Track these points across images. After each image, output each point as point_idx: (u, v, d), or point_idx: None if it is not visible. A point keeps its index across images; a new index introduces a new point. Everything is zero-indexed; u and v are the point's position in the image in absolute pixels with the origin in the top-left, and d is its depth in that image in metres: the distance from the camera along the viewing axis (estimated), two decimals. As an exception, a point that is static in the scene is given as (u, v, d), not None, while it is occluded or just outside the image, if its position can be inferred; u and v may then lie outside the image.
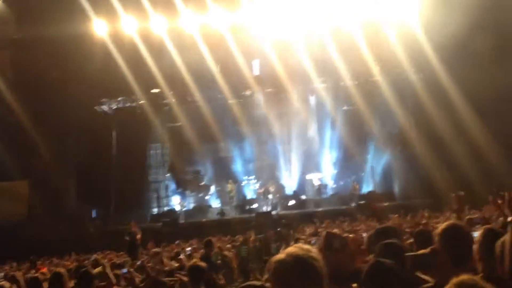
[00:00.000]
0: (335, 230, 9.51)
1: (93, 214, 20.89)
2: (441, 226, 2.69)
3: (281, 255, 1.90)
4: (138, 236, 10.51)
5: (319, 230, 10.96)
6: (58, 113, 18.49)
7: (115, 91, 21.43)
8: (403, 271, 1.88)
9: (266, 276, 2.97)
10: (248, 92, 22.04)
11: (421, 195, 17.82)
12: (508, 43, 16.77)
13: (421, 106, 18.86)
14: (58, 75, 18.42)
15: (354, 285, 2.89)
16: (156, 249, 10.41)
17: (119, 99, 22.04)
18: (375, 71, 20.60)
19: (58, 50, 18.27)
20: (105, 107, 22.05)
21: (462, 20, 15.87)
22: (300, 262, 1.82)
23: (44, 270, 7.48)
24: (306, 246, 1.95)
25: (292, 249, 1.92)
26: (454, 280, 1.70)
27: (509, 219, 2.22)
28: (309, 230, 12.38)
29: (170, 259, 8.50)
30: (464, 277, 1.71)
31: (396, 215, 11.93)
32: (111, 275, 5.86)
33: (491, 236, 2.67)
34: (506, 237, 2.36)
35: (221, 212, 19.86)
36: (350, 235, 7.28)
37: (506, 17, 16.26)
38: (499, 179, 14.92)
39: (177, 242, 12.86)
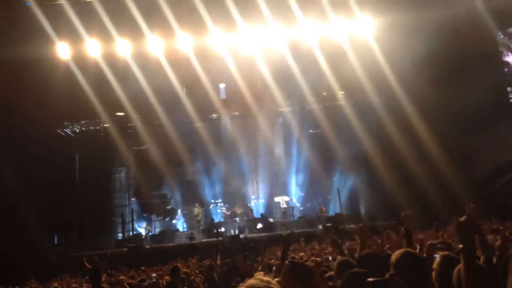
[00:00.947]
0: (302, 254, 9.54)
1: (55, 240, 20.20)
2: (394, 254, 2.67)
3: None
4: (102, 264, 10.19)
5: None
6: (18, 135, 17.95)
7: (78, 114, 21.09)
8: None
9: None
10: (214, 115, 22.11)
11: (385, 216, 18.13)
12: (463, 69, 17.49)
13: (384, 129, 19.36)
14: (16, 97, 17.88)
15: None
16: (122, 277, 10.15)
17: (82, 122, 21.68)
18: (339, 95, 21.12)
19: (18, 72, 17.84)
20: (68, 130, 21.61)
21: (420, 46, 16.54)
22: None
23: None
24: (266, 278, 1.94)
25: (252, 281, 1.91)
26: None
27: (459, 246, 2.25)
28: (279, 252, 12.29)
29: (135, 286, 8.27)
30: None
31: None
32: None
33: (448, 263, 2.70)
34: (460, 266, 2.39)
35: (191, 237, 19.58)
36: (317, 259, 7.32)
37: (461, 46, 17.00)
38: (460, 200, 15.37)
39: (142, 268, 12.55)
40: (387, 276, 2.24)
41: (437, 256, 3.02)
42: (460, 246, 2.22)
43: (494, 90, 17.92)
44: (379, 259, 3.54)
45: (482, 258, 3.13)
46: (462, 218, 2.22)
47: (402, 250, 2.67)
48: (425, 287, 2.45)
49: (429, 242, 4.57)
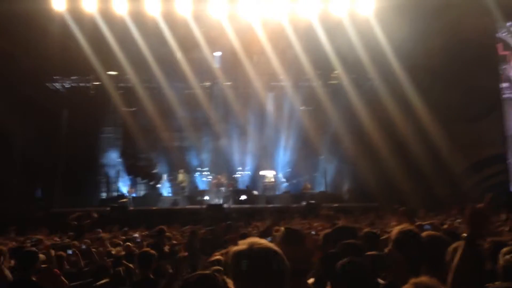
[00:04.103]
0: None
1: (38, 193, 20.10)
2: (394, 231, 2.71)
3: (242, 246, 1.79)
4: (89, 221, 10.17)
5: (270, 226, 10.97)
6: (4, 85, 17.55)
7: (69, 70, 20.66)
8: (372, 271, 1.89)
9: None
10: (207, 83, 21.88)
11: (367, 199, 18.33)
12: (459, 58, 17.39)
13: (380, 110, 19.30)
14: (8, 47, 17.40)
15: (311, 280, 2.90)
16: (102, 234, 10.15)
17: (73, 77, 21.28)
18: (335, 74, 20.99)
19: (10, 21, 17.33)
20: (57, 85, 21.23)
21: (420, 26, 16.45)
22: (265, 254, 1.75)
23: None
24: (263, 240, 1.90)
25: (252, 240, 1.83)
26: (413, 280, 1.72)
27: (463, 235, 2.25)
28: (261, 226, 12.36)
29: (116, 245, 8.29)
30: (423, 278, 1.73)
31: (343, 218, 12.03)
32: (53, 258, 5.65)
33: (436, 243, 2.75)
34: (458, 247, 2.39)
35: (175, 202, 19.65)
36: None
37: (461, 31, 16.85)
38: (460, 187, 15.63)
39: (125, 229, 12.56)
40: (386, 251, 2.25)
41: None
42: (464, 234, 2.23)
43: (487, 84, 17.93)
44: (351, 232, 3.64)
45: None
46: (478, 206, 2.20)
47: (402, 227, 2.68)
48: (423, 264, 2.46)
49: (417, 223, 4.64)
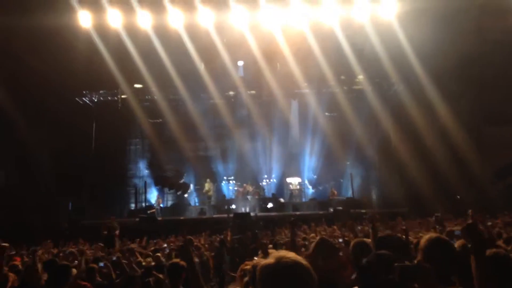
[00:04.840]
0: (312, 235, 9.57)
1: (69, 206, 20.55)
2: (424, 240, 2.61)
3: (270, 260, 1.78)
4: (117, 232, 10.37)
5: (300, 234, 10.95)
6: (38, 102, 18.11)
7: (97, 84, 21.18)
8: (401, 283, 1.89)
9: (240, 279, 2.91)
10: (231, 93, 22.06)
11: (397, 203, 18.08)
12: (486, 60, 17.06)
13: (402, 114, 19.11)
14: (38, 64, 17.97)
15: None
16: (132, 245, 10.32)
17: (101, 92, 21.80)
18: (358, 79, 20.87)
19: (39, 40, 17.87)
20: (86, 99, 21.78)
21: (443, 31, 16.22)
22: (293, 269, 1.73)
23: (17, 261, 7.31)
24: (292, 253, 1.89)
25: (281, 254, 1.81)
26: None
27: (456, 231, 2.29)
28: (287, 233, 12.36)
29: (146, 256, 8.41)
30: None
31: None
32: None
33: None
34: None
35: (202, 211, 19.78)
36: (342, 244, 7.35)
37: (485, 34, 16.55)
38: (483, 192, 15.27)
39: (155, 241, 12.72)
40: (415, 262, 2.23)
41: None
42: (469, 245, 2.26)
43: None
44: (396, 242, 3.55)
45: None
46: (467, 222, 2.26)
47: (432, 236, 2.63)
48: (454, 273, 2.43)
49: (448, 229, 4.55)
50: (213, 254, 10.01)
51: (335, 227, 12.17)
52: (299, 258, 1.80)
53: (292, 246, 3.75)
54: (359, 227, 11.21)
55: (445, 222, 7.47)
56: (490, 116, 17.38)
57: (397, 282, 1.87)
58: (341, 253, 4.16)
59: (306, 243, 7.83)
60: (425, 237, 2.66)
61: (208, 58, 20.50)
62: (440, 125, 18.07)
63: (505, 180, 17.68)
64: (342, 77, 21.15)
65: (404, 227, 4.90)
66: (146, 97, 21.85)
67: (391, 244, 3.12)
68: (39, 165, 18.38)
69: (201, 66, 20.56)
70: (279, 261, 1.76)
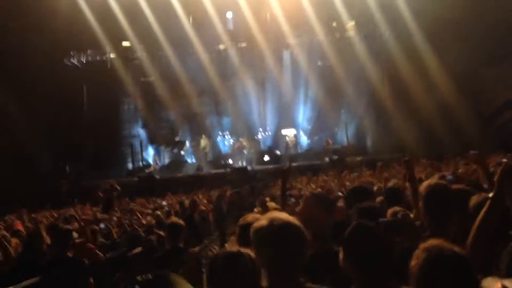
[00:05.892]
0: (312, 185, 9.72)
1: (68, 170, 20.67)
2: (423, 187, 2.61)
3: (262, 222, 1.88)
4: (115, 193, 10.47)
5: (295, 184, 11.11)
6: (24, 66, 17.75)
7: (84, 44, 20.75)
8: (382, 235, 1.92)
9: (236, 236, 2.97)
10: (221, 46, 21.67)
11: (391, 150, 18.22)
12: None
13: (394, 62, 18.97)
14: (22, 28, 17.45)
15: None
16: (132, 205, 10.47)
17: (88, 52, 21.37)
18: (350, 26, 20.51)
19: (21, 2, 17.35)
20: (74, 61, 21.38)
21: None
22: (285, 230, 1.83)
23: (19, 227, 7.44)
24: (284, 213, 1.96)
25: (273, 215, 1.91)
26: (423, 245, 1.76)
27: (490, 195, 2.22)
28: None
29: (146, 215, 8.56)
30: (434, 241, 1.77)
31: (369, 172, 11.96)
32: (88, 233, 5.89)
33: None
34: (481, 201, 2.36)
35: (199, 168, 19.94)
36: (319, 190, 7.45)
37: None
38: (468, 138, 15.37)
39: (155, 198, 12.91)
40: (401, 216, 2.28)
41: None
42: (491, 194, 2.21)
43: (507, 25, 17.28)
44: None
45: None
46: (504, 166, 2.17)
47: (430, 181, 2.64)
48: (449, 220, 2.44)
49: (440, 173, 4.58)
50: (212, 208, 10.19)
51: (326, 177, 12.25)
52: (290, 218, 1.90)
53: (282, 200, 3.80)
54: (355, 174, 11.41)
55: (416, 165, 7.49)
56: (479, 59, 17.24)
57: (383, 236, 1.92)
58: (339, 204, 4.24)
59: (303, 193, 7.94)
60: (425, 183, 2.67)
61: (195, 12, 20.02)
62: (429, 73, 18.04)
63: (494, 123, 17.81)
64: (334, 24, 20.75)
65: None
66: (135, 55, 21.44)
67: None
68: (34, 130, 18.23)
69: (189, 20, 20.09)
70: (271, 223, 1.85)
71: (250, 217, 2.67)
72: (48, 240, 5.09)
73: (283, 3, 19.50)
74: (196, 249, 5.72)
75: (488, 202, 2.18)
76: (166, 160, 21.99)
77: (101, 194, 10.62)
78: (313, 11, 19.51)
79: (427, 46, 18.10)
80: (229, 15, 21.35)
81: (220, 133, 22.46)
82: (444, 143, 16.08)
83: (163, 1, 19.17)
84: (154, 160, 21.08)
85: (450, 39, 16.85)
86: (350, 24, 20.32)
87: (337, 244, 2.07)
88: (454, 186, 2.98)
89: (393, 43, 19.35)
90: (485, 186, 3.56)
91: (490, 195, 2.21)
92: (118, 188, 10.60)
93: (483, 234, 2.15)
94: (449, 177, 4.83)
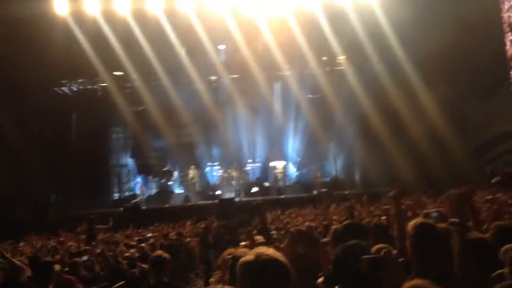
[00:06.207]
0: (299, 219, 9.67)
1: (53, 198, 20.36)
2: (410, 226, 2.63)
3: (249, 257, 1.89)
4: (99, 226, 10.23)
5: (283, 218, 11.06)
6: (14, 92, 17.69)
7: (75, 73, 20.79)
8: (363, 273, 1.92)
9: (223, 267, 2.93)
10: (213, 77, 21.87)
11: (381, 183, 18.28)
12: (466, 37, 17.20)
13: (384, 95, 19.24)
14: (13, 54, 17.46)
15: (320, 280, 2.92)
16: (117, 236, 10.28)
17: (80, 80, 21.40)
18: (340, 60, 20.88)
19: (14, 28, 17.42)
20: (65, 89, 21.37)
21: (423, 11, 16.35)
22: (271, 266, 1.83)
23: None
24: (271, 249, 1.96)
25: (260, 250, 1.93)
26: (407, 284, 1.75)
27: (450, 220, 2.27)
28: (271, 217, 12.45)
29: (130, 247, 8.40)
30: (416, 281, 1.76)
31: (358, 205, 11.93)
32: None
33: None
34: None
35: (187, 199, 19.79)
36: (312, 224, 7.43)
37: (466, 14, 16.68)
38: (461, 170, 15.53)
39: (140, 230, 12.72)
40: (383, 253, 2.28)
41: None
42: (452, 220, 2.26)
43: (495, 60, 17.75)
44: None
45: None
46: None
47: (417, 220, 2.66)
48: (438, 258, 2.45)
49: (424, 211, 4.60)
50: (198, 241, 10.06)
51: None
52: (277, 255, 1.90)
53: (265, 234, 3.78)
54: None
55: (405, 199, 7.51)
56: (468, 92, 17.63)
57: (366, 274, 1.92)
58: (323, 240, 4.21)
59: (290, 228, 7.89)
60: (411, 223, 2.69)
61: (189, 43, 20.27)
62: (419, 104, 18.34)
63: (483, 157, 18.04)
64: (324, 58, 21.11)
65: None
66: (127, 84, 21.50)
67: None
68: (24, 157, 18.02)
69: (182, 51, 20.31)
70: (258, 258, 1.86)
71: (239, 251, 2.66)
72: (29, 272, 4.98)
73: (274, 36, 19.83)
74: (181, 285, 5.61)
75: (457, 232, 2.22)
76: (153, 190, 21.80)
77: (83, 228, 10.35)
78: (304, 44, 19.84)
79: (417, 79, 18.46)
80: (221, 47, 21.63)
81: (209, 163, 22.41)
82: (435, 175, 16.22)
83: (157, 31, 19.38)
84: (142, 191, 20.87)
85: (440, 72, 17.23)
86: (341, 58, 20.69)
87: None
88: (440, 226, 3.00)
89: (384, 76, 19.66)
90: (470, 224, 3.57)
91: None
92: (110, 224, 10.37)
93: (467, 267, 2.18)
94: (433, 214, 4.82)
